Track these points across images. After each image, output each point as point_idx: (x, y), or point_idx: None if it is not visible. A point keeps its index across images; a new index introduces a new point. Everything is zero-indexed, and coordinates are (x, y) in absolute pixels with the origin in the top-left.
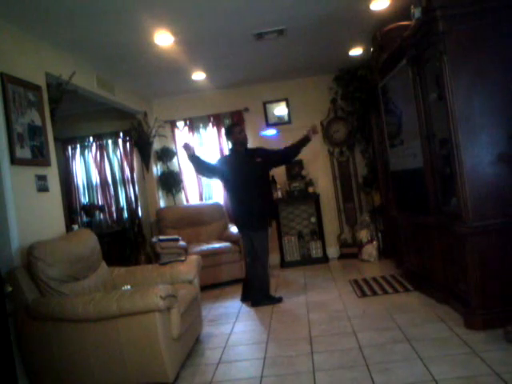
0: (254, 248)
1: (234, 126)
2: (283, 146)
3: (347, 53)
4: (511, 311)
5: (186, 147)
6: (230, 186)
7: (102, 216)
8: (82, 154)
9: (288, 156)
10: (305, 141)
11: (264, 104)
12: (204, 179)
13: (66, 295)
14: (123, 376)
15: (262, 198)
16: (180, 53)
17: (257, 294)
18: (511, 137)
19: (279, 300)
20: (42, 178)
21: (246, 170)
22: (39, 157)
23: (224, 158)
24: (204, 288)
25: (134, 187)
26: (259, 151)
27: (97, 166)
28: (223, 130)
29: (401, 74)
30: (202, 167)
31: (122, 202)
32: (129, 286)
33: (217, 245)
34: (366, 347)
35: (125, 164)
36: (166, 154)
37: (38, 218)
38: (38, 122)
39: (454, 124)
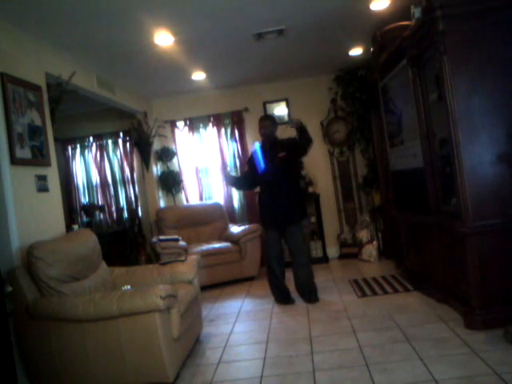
0: (290, 249)
1: (261, 120)
2: None
3: (347, 53)
4: (511, 311)
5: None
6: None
7: (102, 216)
8: (82, 154)
9: (301, 144)
10: (300, 131)
11: (264, 104)
12: (204, 179)
13: (66, 295)
14: (123, 376)
15: (288, 194)
16: (180, 53)
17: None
18: (511, 136)
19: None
20: (41, 178)
21: (269, 167)
22: (39, 157)
23: (254, 154)
24: (204, 288)
25: (134, 187)
26: (285, 144)
27: (97, 166)
28: (223, 130)
29: (401, 74)
30: (241, 185)
31: (122, 202)
32: (129, 286)
33: (217, 245)
34: (366, 347)
35: (125, 164)
36: (166, 154)
37: (37, 218)
38: (38, 122)
39: (454, 124)
